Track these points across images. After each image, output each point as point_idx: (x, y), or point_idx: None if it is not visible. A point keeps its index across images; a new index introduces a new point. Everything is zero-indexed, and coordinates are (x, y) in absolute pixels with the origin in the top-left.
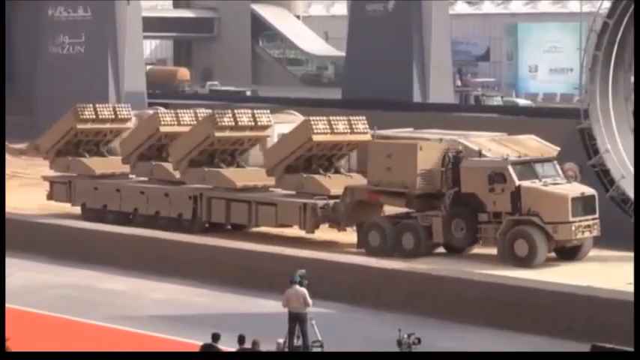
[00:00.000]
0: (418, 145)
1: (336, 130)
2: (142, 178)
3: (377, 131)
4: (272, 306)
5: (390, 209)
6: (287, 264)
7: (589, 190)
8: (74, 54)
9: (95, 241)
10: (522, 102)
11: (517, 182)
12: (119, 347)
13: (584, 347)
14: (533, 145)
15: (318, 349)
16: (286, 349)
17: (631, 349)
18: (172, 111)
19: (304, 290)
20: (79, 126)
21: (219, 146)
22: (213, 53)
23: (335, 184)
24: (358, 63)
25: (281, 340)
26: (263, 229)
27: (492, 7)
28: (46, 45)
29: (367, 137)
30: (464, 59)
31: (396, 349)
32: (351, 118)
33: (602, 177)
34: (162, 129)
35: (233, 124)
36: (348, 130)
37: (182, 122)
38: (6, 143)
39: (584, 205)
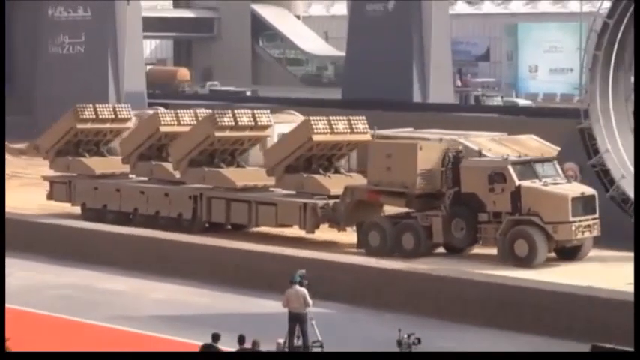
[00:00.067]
0: (418, 145)
1: (336, 130)
2: (142, 178)
3: (377, 131)
4: (272, 306)
5: (390, 209)
6: (287, 264)
7: (589, 190)
8: (74, 54)
9: (95, 241)
10: (522, 102)
11: (517, 182)
12: (119, 347)
13: (584, 347)
14: (533, 145)
15: (318, 349)
16: (286, 349)
17: (631, 349)
18: (172, 111)
19: (304, 290)
20: (79, 126)
21: (219, 146)
22: (213, 53)
23: (335, 184)
24: (358, 63)
25: (281, 340)
26: (263, 229)
27: (492, 7)
28: (46, 45)
29: (367, 137)
30: (464, 59)
31: (396, 349)
32: (351, 118)
33: (602, 177)
34: (162, 129)
35: (233, 124)
36: (348, 130)
37: (182, 122)
38: (6, 143)
39: (584, 205)
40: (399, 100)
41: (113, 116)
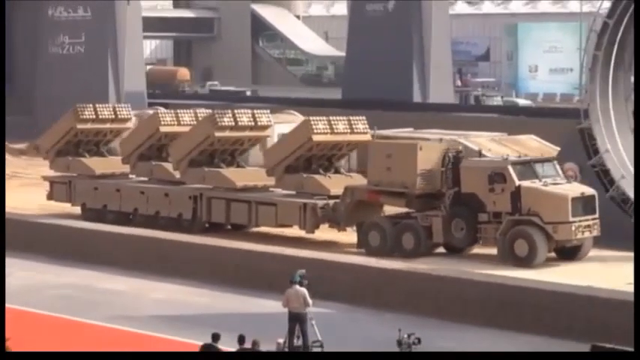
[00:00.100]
0: (418, 145)
1: (336, 130)
2: (142, 178)
3: (377, 131)
4: (272, 306)
5: (389, 209)
6: (287, 264)
7: (589, 190)
8: (74, 54)
9: (95, 241)
10: (522, 102)
11: (517, 182)
12: (119, 347)
13: (584, 347)
14: (533, 145)
15: (318, 349)
16: (286, 349)
17: (631, 349)
18: (172, 111)
19: (304, 290)
20: (79, 126)
21: (219, 146)
22: (213, 53)
23: (335, 184)
24: (358, 63)
25: (281, 340)
26: (263, 229)
27: (492, 7)
28: (46, 45)
29: (367, 137)
30: (464, 59)
31: (396, 349)
32: (351, 118)
33: (602, 177)
34: (162, 129)
35: (233, 124)
36: (348, 130)
37: (182, 122)
38: (6, 143)
39: (584, 205)
40: (399, 100)
41: (113, 116)
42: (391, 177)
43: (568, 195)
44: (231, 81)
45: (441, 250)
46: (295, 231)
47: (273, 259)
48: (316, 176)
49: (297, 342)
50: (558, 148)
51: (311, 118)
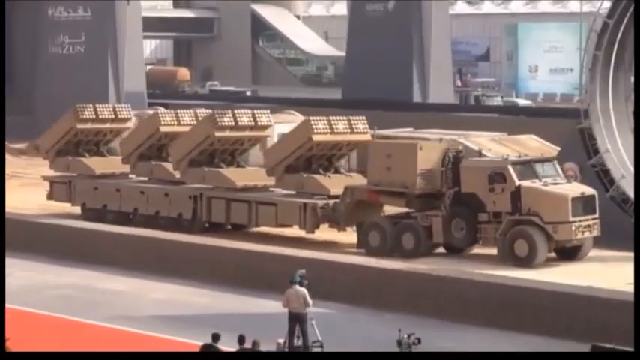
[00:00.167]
0: (418, 145)
1: (336, 130)
2: (142, 178)
3: (377, 131)
4: (272, 306)
5: (389, 209)
6: (287, 264)
7: (589, 190)
8: (74, 54)
9: (95, 241)
10: (522, 102)
11: (517, 182)
12: (119, 347)
13: (584, 347)
14: (533, 145)
15: (318, 349)
16: (286, 349)
17: (631, 349)
18: (172, 111)
19: (304, 290)
20: (79, 126)
21: (219, 146)
22: (213, 53)
23: (335, 184)
24: (358, 63)
25: (281, 340)
26: (263, 229)
27: (492, 7)
28: (46, 45)
29: (367, 137)
30: (464, 59)
31: (396, 349)
32: (351, 118)
33: (602, 177)
34: (162, 129)
35: (233, 124)
36: (348, 130)
37: (182, 122)
38: (6, 143)
39: (584, 205)
40: (399, 100)
41: (113, 116)
42: (391, 177)
43: (568, 195)
44: (231, 81)
45: (441, 250)
46: (295, 231)
47: (273, 259)
48: (316, 176)
49: (297, 342)
50: (558, 148)
51: (311, 118)
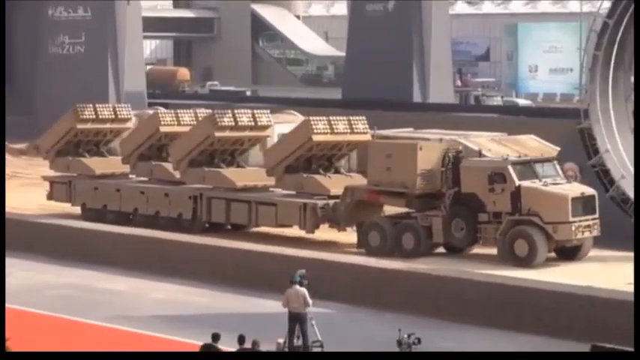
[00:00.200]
0: (418, 145)
1: (336, 130)
2: (142, 178)
3: (377, 131)
4: (272, 306)
5: (389, 209)
6: (287, 264)
7: (589, 190)
8: (74, 54)
9: (95, 241)
10: (522, 102)
11: (517, 182)
12: (119, 347)
13: (584, 347)
14: (533, 145)
15: (318, 349)
16: (286, 349)
17: (631, 349)
18: (172, 111)
19: (304, 290)
20: (79, 126)
21: (219, 146)
22: (214, 53)
23: (335, 184)
24: (358, 63)
25: (281, 340)
26: (263, 229)
27: (492, 7)
28: (46, 45)
29: (367, 137)
30: (464, 59)
31: (396, 349)
32: (351, 118)
33: (602, 177)
34: (162, 129)
35: (233, 124)
36: (348, 130)
37: (182, 122)
38: (6, 143)
39: (584, 205)
40: (399, 100)
41: (113, 116)
42: (391, 177)
43: (568, 195)
44: (232, 81)
45: (441, 250)
46: (295, 231)
47: (273, 259)
48: (316, 176)
49: (297, 342)
50: (558, 148)
51: (311, 118)
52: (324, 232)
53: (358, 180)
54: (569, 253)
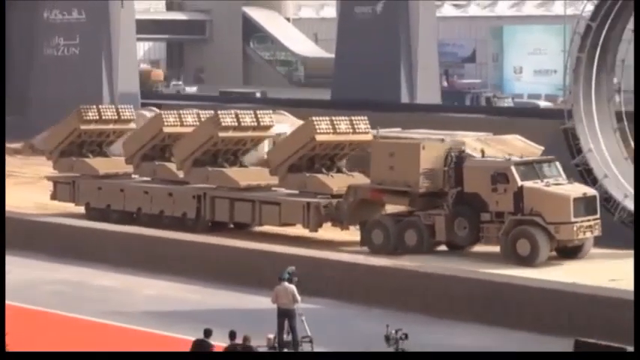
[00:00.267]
0: (421, 145)
1: (338, 130)
2: (145, 178)
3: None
4: (262, 302)
5: (391, 208)
6: (277, 261)
7: (590, 191)
8: (69, 55)
9: (86, 239)
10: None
11: (520, 183)
12: (112, 342)
13: (568, 342)
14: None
15: (308, 344)
16: (276, 345)
17: (614, 343)
18: (175, 112)
19: (293, 287)
20: (83, 127)
21: (223, 146)
22: (206, 55)
23: (337, 183)
24: (347, 64)
25: (271, 336)
26: (265, 227)
27: (478, 10)
28: (41, 47)
29: (369, 137)
30: (450, 61)
31: (384, 345)
32: (352, 118)
33: (585, 176)
34: (166, 130)
35: (236, 124)
36: (350, 130)
37: (185, 123)
38: None
39: (585, 205)
40: (387, 101)
41: (116, 117)
42: (394, 176)
43: (570, 195)
44: (223, 81)
45: (443, 248)
46: (295, 230)
47: (263, 257)
48: (319, 175)
49: (287, 337)
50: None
51: (314, 118)
52: (327, 231)
53: (360, 179)
54: (570, 252)
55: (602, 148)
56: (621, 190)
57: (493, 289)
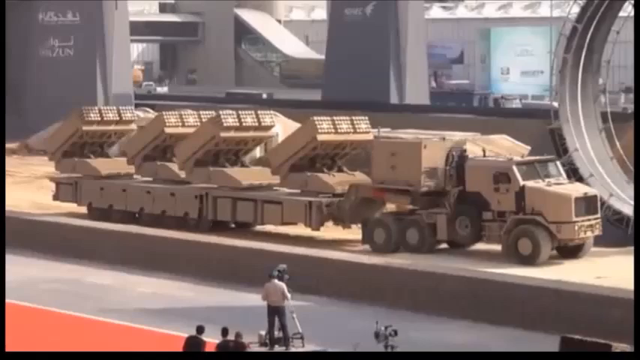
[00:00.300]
0: (422, 144)
1: (339, 130)
2: (147, 179)
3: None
4: (254, 299)
5: (392, 207)
6: (268, 259)
7: (591, 191)
8: (64, 57)
9: (81, 237)
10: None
11: (521, 182)
12: (108, 339)
13: (554, 338)
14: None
15: (299, 341)
16: (267, 341)
17: (601, 340)
18: (177, 112)
19: (282, 284)
20: (85, 128)
21: (224, 146)
22: (198, 56)
23: (339, 182)
24: (337, 65)
25: (262, 332)
26: (266, 227)
27: (466, 12)
28: (36, 48)
29: (369, 137)
30: (439, 62)
31: (374, 341)
32: (353, 118)
33: (571, 175)
34: (167, 130)
35: (238, 124)
36: (351, 130)
37: (186, 124)
38: None
39: (586, 205)
40: (376, 101)
41: (118, 118)
42: (396, 175)
43: (571, 195)
44: (216, 82)
45: (444, 246)
46: (295, 229)
47: (254, 255)
48: (320, 175)
49: (278, 334)
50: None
51: (315, 118)
52: (329, 230)
53: (361, 178)
54: (570, 251)
55: (588, 148)
56: (606, 189)
57: (480, 287)
